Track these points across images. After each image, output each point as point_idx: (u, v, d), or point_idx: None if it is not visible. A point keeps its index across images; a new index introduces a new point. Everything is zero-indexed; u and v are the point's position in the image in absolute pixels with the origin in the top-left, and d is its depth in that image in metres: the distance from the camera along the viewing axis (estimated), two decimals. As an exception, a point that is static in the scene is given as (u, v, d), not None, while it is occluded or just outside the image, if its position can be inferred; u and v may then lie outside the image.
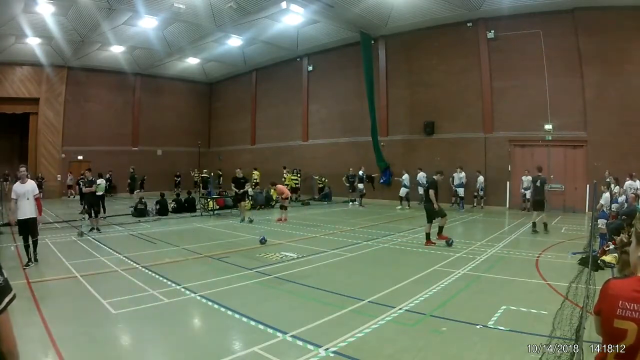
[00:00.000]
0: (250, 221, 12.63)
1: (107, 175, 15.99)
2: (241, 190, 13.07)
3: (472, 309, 4.87)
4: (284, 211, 13.21)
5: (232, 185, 13.30)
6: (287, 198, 13.53)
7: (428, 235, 8.93)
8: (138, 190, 18.15)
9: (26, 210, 6.87)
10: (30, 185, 7.05)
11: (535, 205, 10.70)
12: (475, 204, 16.45)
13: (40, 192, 17.04)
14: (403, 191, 17.07)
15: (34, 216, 6.96)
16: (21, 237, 7.00)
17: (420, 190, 16.41)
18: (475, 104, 16.76)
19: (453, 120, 17.35)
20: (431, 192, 8.82)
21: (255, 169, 21.73)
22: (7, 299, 1.38)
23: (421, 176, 16.67)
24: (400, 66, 19.16)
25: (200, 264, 7.41)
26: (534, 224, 10.50)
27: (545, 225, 10.57)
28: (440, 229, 8.98)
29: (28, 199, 6.88)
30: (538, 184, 10.61)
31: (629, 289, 1.51)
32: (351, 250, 8.52)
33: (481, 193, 16.24)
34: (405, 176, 17.13)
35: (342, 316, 4.63)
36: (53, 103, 22.87)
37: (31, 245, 6.93)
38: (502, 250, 8.42)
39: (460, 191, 16.33)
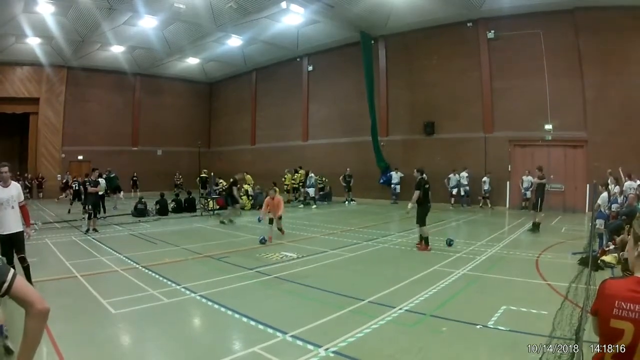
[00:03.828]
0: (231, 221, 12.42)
1: (105, 176, 15.92)
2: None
3: (472, 309, 4.88)
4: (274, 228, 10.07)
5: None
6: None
7: (426, 239, 8.52)
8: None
9: (10, 222, 5.25)
10: (15, 189, 5.42)
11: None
12: (482, 205, 16.33)
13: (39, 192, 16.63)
14: (312, 191, 18.19)
15: (21, 229, 5.41)
16: (3, 257, 5.48)
17: (462, 192, 16.56)
18: (475, 104, 16.76)
19: (453, 120, 17.34)
20: (416, 192, 8.36)
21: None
22: (9, 277, 1.48)
23: (462, 176, 16.50)
24: (400, 66, 19.16)
25: (200, 264, 7.41)
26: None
27: (533, 224, 10.67)
28: (420, 238, 8.53)
29: (12, 207, 5.30)
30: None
31: (625, 288, 1.51)
32: (351, 250, 8.52)
33: (487, 194, 16.14)
34: (311, 175, 18.42)
35: (342, 316, 4.64)
36: (53, 103, 22.88)
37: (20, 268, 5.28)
38: (502, 250, 8.41)
39: (455, 192, 16.52)
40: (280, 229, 10.00)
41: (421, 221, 8.37)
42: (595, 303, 1.62)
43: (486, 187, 16.13)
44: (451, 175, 16.62)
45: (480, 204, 16.34)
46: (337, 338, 3.94)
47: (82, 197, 15.21)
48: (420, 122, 18.12)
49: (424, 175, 8.50)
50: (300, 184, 19.81)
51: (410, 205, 8.51)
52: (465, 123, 17.02)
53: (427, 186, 8.49)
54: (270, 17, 17.72)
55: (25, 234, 5.49)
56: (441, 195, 17.21)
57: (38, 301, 1.49)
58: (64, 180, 20.70)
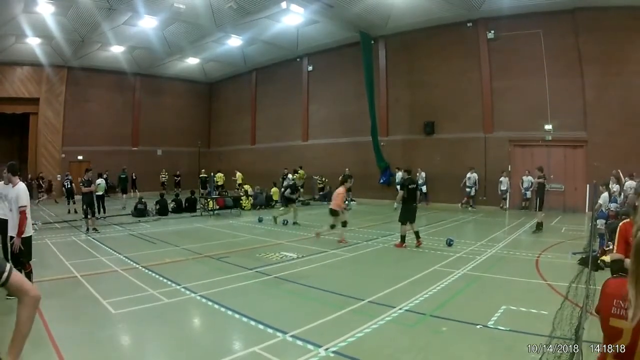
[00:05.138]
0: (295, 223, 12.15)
1: (105, 176, 15.91)
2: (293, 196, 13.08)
3: (472, 309, 4.88)
4: (343, 227, 9.33)
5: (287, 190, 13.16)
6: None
7: (403, 238, 8.74)
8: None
9: (10, 225, 4.95)
10: (18, 190, 4.96)
11: None
12: (503, 206, 15.90)
13: (46, 196, 16.91)
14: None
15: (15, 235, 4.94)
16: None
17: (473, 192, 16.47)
18: (475, 104, 16.75)
19: (453, 120, 17.34)
20: (400, 192, 8.68)
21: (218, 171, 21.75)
22: (7, 268, 1.64)
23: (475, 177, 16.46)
24: (400, 66, 19.16)
25: (201, 264, 7.41)
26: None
27: (537, 224, 10.65)
28: (403, 237, 8.74)
29: (11, 210, 4.90)
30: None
31: (624, 287, 1.50)
32: (351, 250, 8.52)
33: (505, 194, 15.87)
34: (290, 176, 18.37)
35: (342, 316, 4.64)
36: (53, 103, 22.85)
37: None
38: (502, 250, 8.41)
39: (473, 192, 16.47)
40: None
41: (402, 220, 8.65)
42: (598, 302, 1.62)
43: (504, 187, 15.87)
44: (469, 175, 16.33)
45: (502, 205, 15.85)
46: (337, 338, 3.94)
47: (72, 197, 15.73)
48: (420, 122, 18.12)
49: (410, 175, 9.03)
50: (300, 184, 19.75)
51: (395, 204, 8.74)
52: (465, 123, 17.01)
53: (411, 186, 8.77)
54: (270, 17, 17.70)
55: (16, 246, 4.86)
56: (442, 196, 17.25)
57: (32, 289, 1.67)
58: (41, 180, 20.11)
